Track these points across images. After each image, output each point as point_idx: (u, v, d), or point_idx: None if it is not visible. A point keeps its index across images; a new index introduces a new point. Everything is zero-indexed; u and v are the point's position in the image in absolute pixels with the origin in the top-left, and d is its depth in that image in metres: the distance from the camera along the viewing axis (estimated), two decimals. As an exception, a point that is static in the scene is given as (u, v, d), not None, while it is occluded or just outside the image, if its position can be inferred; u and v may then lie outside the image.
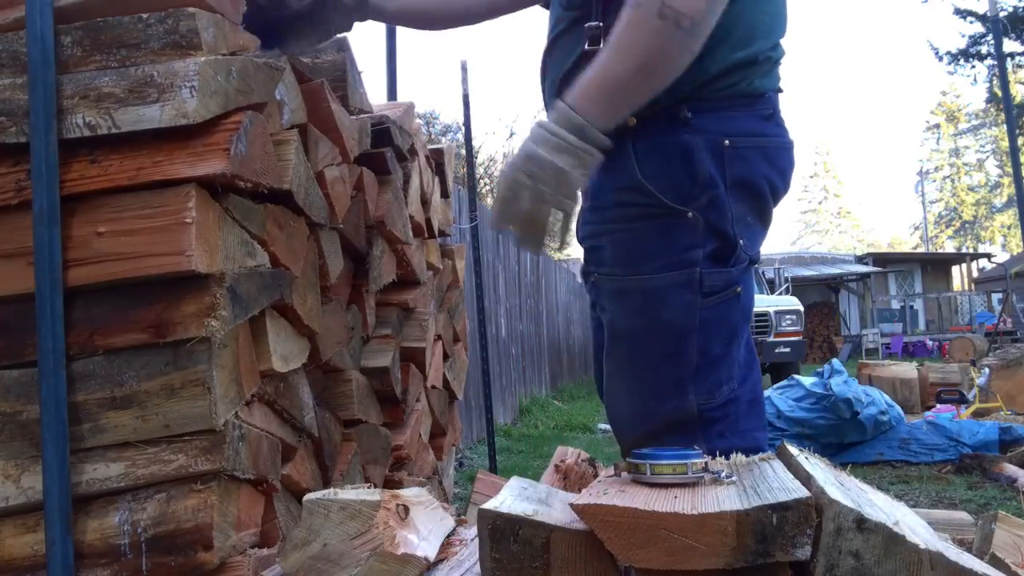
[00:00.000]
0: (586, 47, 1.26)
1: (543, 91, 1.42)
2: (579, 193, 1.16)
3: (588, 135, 1.13)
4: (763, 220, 1.34)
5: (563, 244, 1.19)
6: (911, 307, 21.57)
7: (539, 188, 1.13)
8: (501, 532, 0.84)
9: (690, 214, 1.23)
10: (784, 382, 5.04)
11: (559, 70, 1.33)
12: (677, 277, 1.25)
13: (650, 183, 1.24)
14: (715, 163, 1.24)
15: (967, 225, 44.74)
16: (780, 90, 1.37)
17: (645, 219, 1.26)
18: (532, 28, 7.13)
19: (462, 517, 1.26)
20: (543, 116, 1.22)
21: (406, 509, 1.01)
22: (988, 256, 26.03)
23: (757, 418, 1.34)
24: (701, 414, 1.28)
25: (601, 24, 1.25)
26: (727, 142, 1.25)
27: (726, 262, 1.27)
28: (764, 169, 1.29)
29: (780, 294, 11.92)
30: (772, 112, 1.32)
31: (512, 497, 0.92)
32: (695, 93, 1.25)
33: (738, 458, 1.05)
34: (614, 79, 1.15)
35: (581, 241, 1.40)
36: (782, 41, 1.36)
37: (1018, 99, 16.30)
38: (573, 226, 1.19)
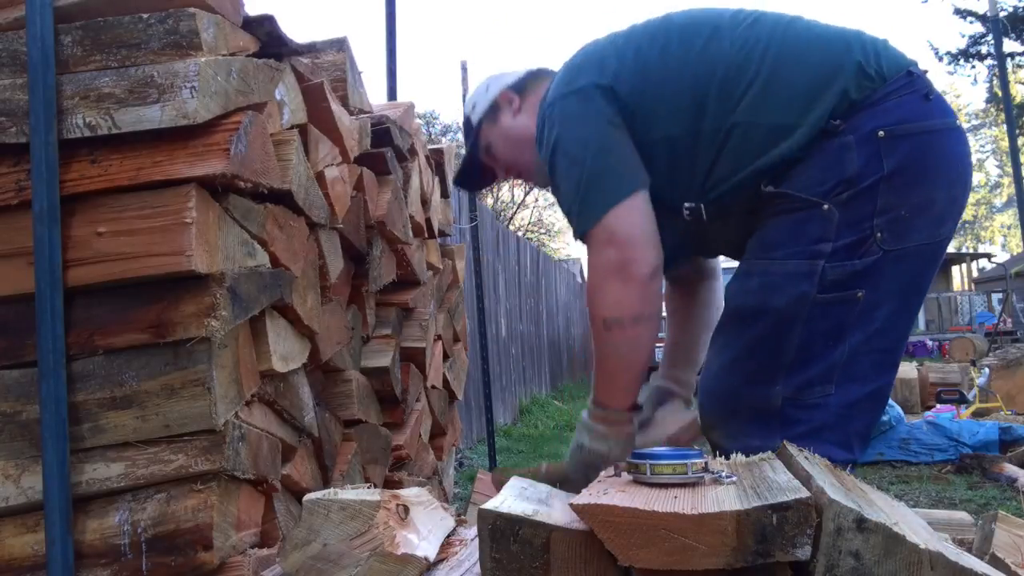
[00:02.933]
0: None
1: None
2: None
3: (608, 416, 1.47)
4: (928, 209, 1.31)
5: None
6: (911, 307, 21.53)
7: (587, 472, 1.42)
8: (501, 532, 0.84)
9: (825, 206, 1.27)
10: (784, 382, 5.03)
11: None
12: (799, 266, 1.28)
13: (786, 186, 1.31)
14: (869, 157, 1.27)
15: (967, 225, 44.69)
16: (917, 71, 1.35)
17: (782, 213, 1.32)
18: (532, 28, 7.13)
19: (462, 517, 1.26)
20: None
21: (406, 509, 1.01)
22: (988, 256, 26.01)
23: (842, 432, 1.31)
24: (784, 411, 1.28)
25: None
26: (881, 133, 1.27)
27: (852, 254, 1.27)
28: (928, 154, 1.29)
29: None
30: (928, 91, 1.33)
31: (512, 497, 0.92)
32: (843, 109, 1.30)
33: (738, 458, 1.05)
34: (609, 379, 1.47)
35: None
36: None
37: (1018, 99, 16.28)
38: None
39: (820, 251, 1.27)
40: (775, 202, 1.33)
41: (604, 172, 1.38)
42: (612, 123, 1.40)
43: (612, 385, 1.46)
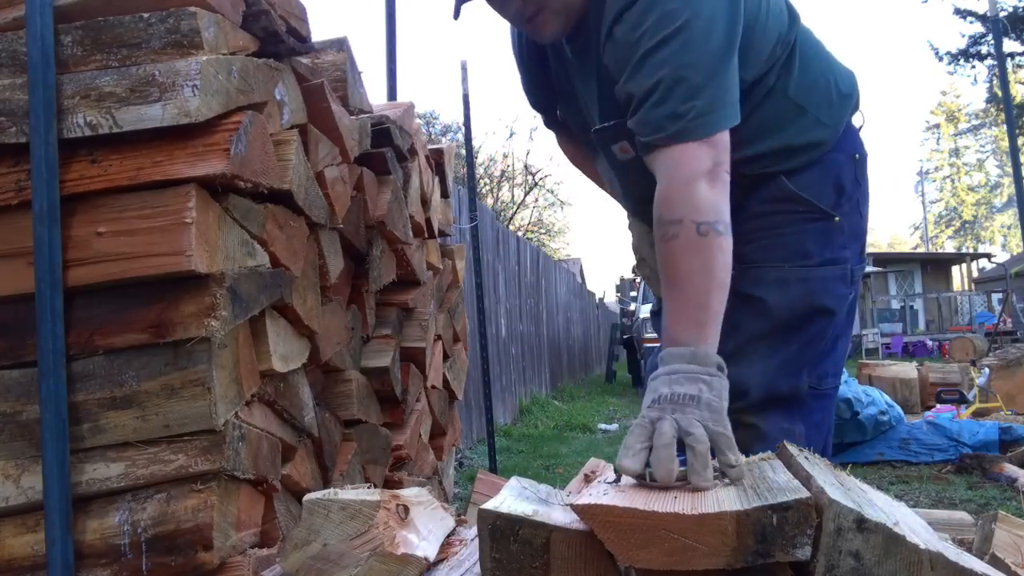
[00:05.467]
0: None
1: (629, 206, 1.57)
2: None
3: (708, 358, 1.07)
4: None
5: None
6: (911, 307, 21.52)
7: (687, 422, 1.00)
8: (501, 532, 0.84)
9: (837, 219, 1.41)
10: (784, 382, 5.03)
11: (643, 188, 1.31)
12: (835, 271, 1.41)
13: (805, 193, 1.39)
14: (854, 175, 1.43)
15: (967, 225, 44.70)
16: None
17: (803, 223, 1.41)
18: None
19: (462, 517, 1.26)
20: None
21: (406, 509, 1.01)
22: (988, 256, 25.97)
23: (832, 420, 1.49)
24: (806, 399, 1.39)
25: None
26: (856, 156, 1.43)
27: (860, 259, 1.45)
28: (867, 182, 1.48)
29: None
30: (863, 124, 1.49)
31: (512, 497, 0.92)
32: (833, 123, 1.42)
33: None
34: (701, 305, 1.12)
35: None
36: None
37: (1018, 99, 16.28)
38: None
39: (845, 256, 1.41)
40: (789, 205, 1.40)
41: (731, 85, 1.22)
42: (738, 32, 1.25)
43: (704, 311, 1.11)
